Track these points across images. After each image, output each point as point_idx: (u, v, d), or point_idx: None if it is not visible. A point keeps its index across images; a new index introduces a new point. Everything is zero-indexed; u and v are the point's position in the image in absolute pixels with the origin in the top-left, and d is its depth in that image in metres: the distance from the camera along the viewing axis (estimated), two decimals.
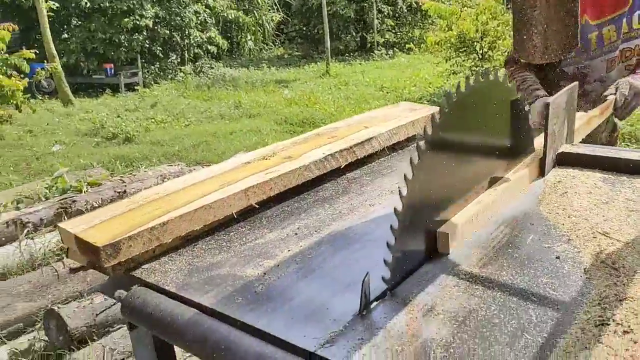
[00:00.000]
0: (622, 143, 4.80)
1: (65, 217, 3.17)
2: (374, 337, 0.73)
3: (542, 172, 1.23)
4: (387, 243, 0.83)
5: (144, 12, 11.47)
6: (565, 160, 1.27)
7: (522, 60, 2.03)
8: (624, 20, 1.95)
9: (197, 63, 13.30)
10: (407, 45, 13.26)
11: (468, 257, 0.92)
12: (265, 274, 0.95)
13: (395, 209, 0.84)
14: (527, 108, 1.19)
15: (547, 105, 1.20)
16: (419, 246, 0.92)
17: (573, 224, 0.98)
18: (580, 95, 1.70)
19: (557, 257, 0.88)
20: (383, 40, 14.99)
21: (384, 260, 0.83)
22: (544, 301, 0.77)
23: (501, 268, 0.88)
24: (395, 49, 14.59)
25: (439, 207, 0.95)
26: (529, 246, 0.93)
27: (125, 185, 3.69)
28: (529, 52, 1.35)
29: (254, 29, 15.89)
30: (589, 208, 1.04)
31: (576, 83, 1.38)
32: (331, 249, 1.03)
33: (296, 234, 1.09)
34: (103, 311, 2.14)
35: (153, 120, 8.11)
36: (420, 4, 10.38)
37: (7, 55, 5.72)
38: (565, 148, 1.29)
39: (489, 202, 1.03)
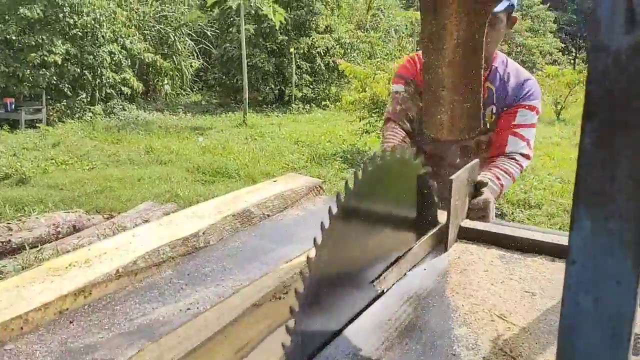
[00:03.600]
0: (517, 209, 5.13)
1: None
2: None
3: (445, 247, 1.24)
4: (286, 326, 0.78)
5: (53, 48, 10.96)
6: (466, 235, 1.30)
7: (399, 122, 2.00)
8: None
9: (109, 103, 12.80)
10: (323, 102, 13.68)
11: (371, 339, 0.89)
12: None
13: (295, 291, 0.79)
14: (431, 182, 1.21)
15: (450, 181, 1.24)
16: (323, 326, 0.88)
17: (472, 305, 0.99)
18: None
19: (458, 343, 0.87)
20: (301, 94, 15.37)
21: (282, 345, 0.77)
22: None
23: (403, 354, 0.85)
24: (312, 104, 14.97)
25: (346, 280, 0.92)
26: (431, 330, 0.91)
27: (11, 234, 3.35)
28: (436, 129, 1.40)
29: (171, 73, 15.69)
30: (486, 287, 1.06)
31: (477, 160, 1.44)
32: None
33: (188, 309, 1.01)
34: None
35: (53, 161, 7.60)
36: (337, 63, 10.82)
37: None
38: (465, 223, 1.32)
39: None
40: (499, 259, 1.21)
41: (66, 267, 1.09)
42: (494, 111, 1.91)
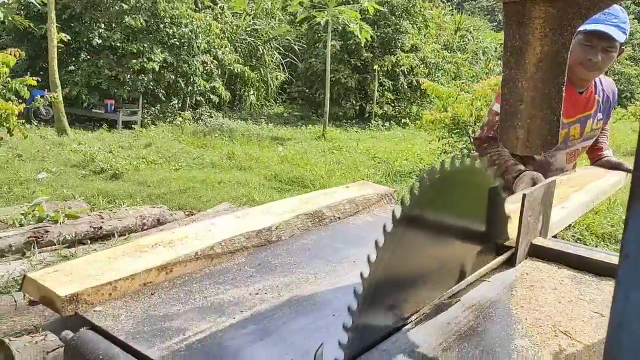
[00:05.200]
0: (601, 242, 4.84)
1: (36, 247, 3.09)
2: None
3: (513, 262, 1.23)
4: (343, 325, 0.81)
5: (152, 56, 11.74)
6: (537, 253, 1.28)
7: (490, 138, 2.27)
8: (589, 121, 2.21)
9: (198, 110, 13.51)
10: (403, 120, 13.60)
11: (428, 340, 0.90)
12: (220, 332, 0.92)
13: (355, 291, 0.82)
14: (503, 190, 1.20)
15: (523, 197, 1.22)
16: (382, 322, 0.91)
17: (536, 319, 0.97)
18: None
19: (517, 353, 0.86)
20: (381, 111, 15.36)
21: (340, 341, 0.81)
22: None
23: (459, 357, 0.86)
24: (392, 121, 14.92)
25: (407, 284, 0.94)
26: (490, 337, 0.92)
27: (103, 222, 3.63)
28: (512, 143, 1.39)
29: (257, 84, 16.28)
30: (553, 304, 1.04)
31: (554, 179, 1.41)
32: (293, 313, 1.01)
33: (257, 293, 1.07)
34: (55, 349, 2.05)
35: (144, 160, 8.12)
36: (420, 82, 10.75)
37: (9, 79, 5.76)
38: (538, 241, 1.30)
39: None
40: (570, 279, 1.18)
41: (152, 246, 1.20)
42: (600, 118, 2.28)
